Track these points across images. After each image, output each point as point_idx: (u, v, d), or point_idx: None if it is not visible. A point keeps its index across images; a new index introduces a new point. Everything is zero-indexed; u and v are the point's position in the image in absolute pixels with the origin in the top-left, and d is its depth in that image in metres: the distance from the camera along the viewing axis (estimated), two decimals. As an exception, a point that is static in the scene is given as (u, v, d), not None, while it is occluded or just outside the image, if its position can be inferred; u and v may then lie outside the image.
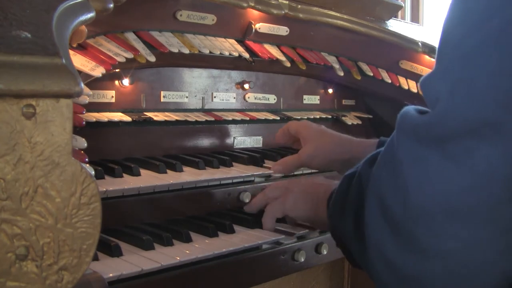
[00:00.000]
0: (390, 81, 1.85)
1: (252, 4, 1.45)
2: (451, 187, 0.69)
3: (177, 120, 1.39)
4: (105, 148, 1.30)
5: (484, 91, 0.67)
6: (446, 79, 0.70)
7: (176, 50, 1.32)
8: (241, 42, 1.53)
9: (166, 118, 1.37)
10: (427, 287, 0.75)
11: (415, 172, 0.72)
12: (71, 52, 1.01)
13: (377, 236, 0.78)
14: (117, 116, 1.28)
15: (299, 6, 1.59)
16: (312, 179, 1.24)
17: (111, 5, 0.98)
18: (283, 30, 1.61)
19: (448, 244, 0.70)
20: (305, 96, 1.82)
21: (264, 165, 1.43)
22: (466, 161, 0.68)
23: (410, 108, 0.77)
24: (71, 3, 0.81)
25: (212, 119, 1.47)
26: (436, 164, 0.70)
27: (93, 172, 1.00)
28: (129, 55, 1.20)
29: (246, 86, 1.60)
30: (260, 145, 1.66)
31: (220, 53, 1.42)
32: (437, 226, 0.70)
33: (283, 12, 1.53)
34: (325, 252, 1.26)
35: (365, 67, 1.83)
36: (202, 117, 1.44)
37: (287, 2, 1.55)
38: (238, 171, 1.35)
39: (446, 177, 0.69)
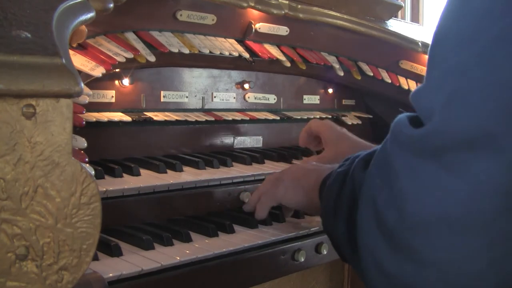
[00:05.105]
0: (390, 81, 1.85)
1: (252, 4, 1.45)
2: (448, 198, 0.68)
3: (177, 120, 1.39)
4: (105, 148, 1.30)
5: (480, 103, 0.66)
6: (440, 91, 0.69)
7: (176, 50, 1.32)
8: (241, 42, 1.53)
9: (166, 118, 1.37)
10: None
11: (412, 183, 0.71)
12: (71, 52, 1.01)
13: (371, 244, 0.78)
14: (117, 116, 1.28)
15: (299, 6, 1.59)
16: (303, 165, 1.24)
17: (111, 5, 0.98)
18: (283, 30, 1.61)
19: (444, 254, 0.70)
20: (305, 96, 1.82)
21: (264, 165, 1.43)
22: (463, 172, 0.67)
23: (404, 118, 0.75)
24: (71, 3, 0.81)
25: (212, 119, 1.47)
26: (434, 176, 0.69)
27: (93, 172, 1.00)
28: (129, 55, 1.20)
29: (246, 86, 1.60)
30: (260, 145, 1.66)
31: (220, 53, 1.42)
32: (434, 236, 0.70)
33: (283, 12, 1.53)
34: (325, 252, 1.25)
35: (365, 67, 1.83)
36: (202, 117, 1.44)
37: (287, 2, 1.55)
38: (238, 171, 1.35)
39: (444, 188, 0.69)
